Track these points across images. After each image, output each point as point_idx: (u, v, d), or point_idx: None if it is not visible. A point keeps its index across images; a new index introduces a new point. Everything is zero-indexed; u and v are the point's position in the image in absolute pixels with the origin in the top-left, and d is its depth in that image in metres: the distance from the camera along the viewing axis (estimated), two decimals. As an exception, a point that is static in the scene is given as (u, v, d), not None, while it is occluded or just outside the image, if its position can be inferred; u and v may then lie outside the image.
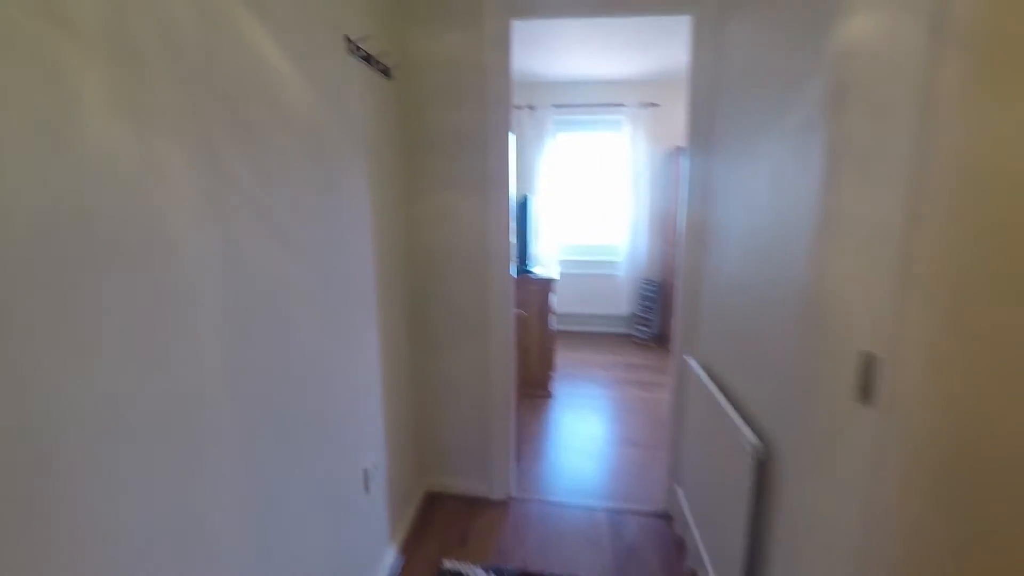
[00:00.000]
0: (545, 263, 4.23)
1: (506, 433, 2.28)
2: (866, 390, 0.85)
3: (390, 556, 1.86)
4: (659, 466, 2.53)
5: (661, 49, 3.58)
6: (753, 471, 1.26)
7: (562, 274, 4.90)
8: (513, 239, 2.17)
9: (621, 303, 4.91)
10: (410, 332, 2.16)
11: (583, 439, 2.91)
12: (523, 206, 3.30)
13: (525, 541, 2.05)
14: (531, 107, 4.65)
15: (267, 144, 1.07)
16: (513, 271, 2.17)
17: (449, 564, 1.90)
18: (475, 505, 2.29)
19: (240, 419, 0.99)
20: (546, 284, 3.36)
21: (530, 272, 3.39)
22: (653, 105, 4.54)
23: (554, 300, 3.56)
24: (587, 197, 4.95)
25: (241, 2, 0.98)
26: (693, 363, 1.90)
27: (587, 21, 2.99)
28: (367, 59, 1.56)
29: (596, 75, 4.37)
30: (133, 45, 0.74)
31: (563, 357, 4.26)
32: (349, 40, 1.44)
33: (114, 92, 0.70)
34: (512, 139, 2.05)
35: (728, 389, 1.59)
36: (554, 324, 3.56)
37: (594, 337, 4.93)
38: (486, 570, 1.86)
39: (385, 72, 1.73)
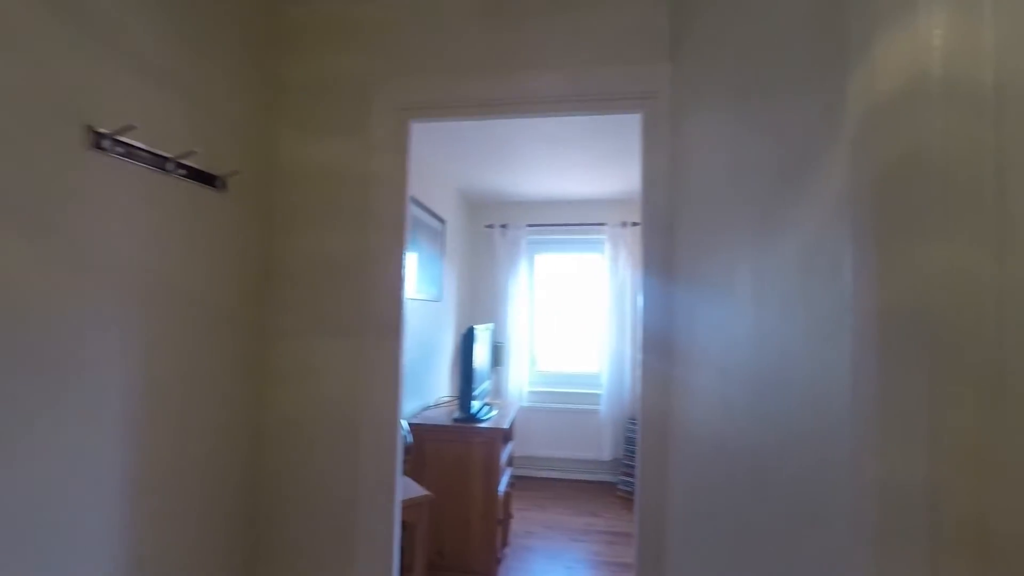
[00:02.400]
0: (509, 405, 3.52)
1: None
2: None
3: None
4: None
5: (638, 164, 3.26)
6: None
7: (532, 408, 4.19)
8: (402, 401, 1.56)
9: (603, 446, 4.11)
10: (249, 550, 1.46)
11: None
12: (467, 340, 2.73)
13: None
14: (503, 226, 4.31)
15: None
16: (402, 428, 1.52)
17: None
18: None
19: None
20: (495, 435, 2.67)
21: (474, 420, 2.71)
22: (635, 224, 4.17)
23: (506, 455, 2.84)
24: (567, 323, 4.42)
25: None
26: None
27: (550, 138, 2.66)
28: (156, 163, 1.09)
29: (573, 193, 4.07)
30: None
31: (526, 518, 3.39)
32: (97, 132, 0.97)
33: None
34: (407, 264, 1.53)
35: None
36: (504, 486, 2.80)
37: (571, 487, 4.05)
38: None
39: (207, 181, 1.25)
